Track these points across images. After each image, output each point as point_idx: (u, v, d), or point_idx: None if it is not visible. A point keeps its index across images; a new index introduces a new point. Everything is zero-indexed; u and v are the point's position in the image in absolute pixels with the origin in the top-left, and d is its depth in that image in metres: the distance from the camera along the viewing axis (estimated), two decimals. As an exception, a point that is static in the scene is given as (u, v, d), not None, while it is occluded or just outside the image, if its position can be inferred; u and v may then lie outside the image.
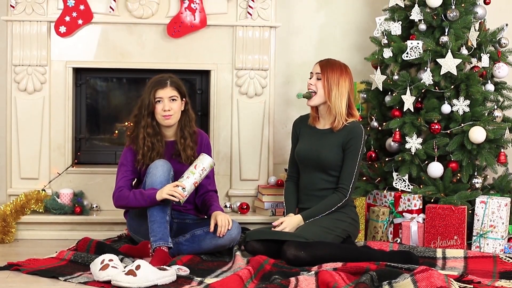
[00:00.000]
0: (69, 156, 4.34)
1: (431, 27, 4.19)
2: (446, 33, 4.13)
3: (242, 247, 3.70)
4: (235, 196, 4.41)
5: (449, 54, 4.05)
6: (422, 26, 4.16)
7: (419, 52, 4.13)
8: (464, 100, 4.08)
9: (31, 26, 4.24)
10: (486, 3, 4.29)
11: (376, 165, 4.29)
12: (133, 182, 3.78)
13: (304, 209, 3.80)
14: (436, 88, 4.12)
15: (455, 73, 4.06)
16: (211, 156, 3.86)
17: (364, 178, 4.27)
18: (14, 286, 3.17)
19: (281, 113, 4.70)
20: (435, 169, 4.06)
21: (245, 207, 4.32)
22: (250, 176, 4.42)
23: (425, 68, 4.12)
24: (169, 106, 3.68)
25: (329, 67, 3.77)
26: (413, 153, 4.07)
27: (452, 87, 4.12)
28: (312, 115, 3.88)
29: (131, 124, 3.80)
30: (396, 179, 4.14)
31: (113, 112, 4.64)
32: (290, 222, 3.69)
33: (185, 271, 3.32)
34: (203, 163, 3.62)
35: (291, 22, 4.70)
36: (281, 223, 3.69)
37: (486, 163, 4.10)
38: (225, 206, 4.33)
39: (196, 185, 3.61)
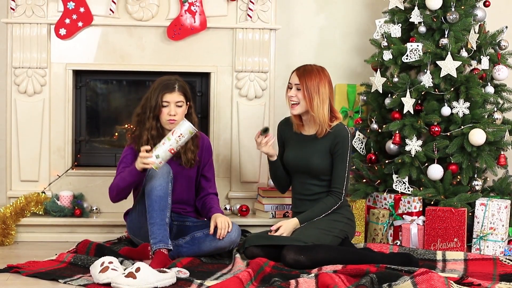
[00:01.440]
0: (69, 158, 4.34)
1: (431, 29, 4.20)
2: (446, 36, 4.13)
3: (241, 252, 3.70)
4: (235, 198, 4.41)
5: (449, 56, 4.05)
6: (422, 29, 4.16)
7: (419, 55, 4.13)
8: (464, 102, 4.08)
9: (31, 29, 4.24)
10: (485, 5, 4.29)
11: (376, 167, 4.29)
12: None
13: (298, 213, 3.80)
14: (436, 90, 4.12)
15: (455, 75, 4.06)
16: (211, 158, 3.86)
17: (364, 180, 4.27)
18: (14, 288, 3.18)
19: (281, 115, 4.65)
20: (435, 171, 4.06)
21: (245, 209, 4.32)
22: (250, 178, 4.42)
23: (425, 70, 4.12)
24: (175, 111, 3.68)
25: (307, 76, 3.74)
26: (413, 155, 4.07)
27: (452, 89, 4.12)
28: (296, 122, 3.84)
29: (133, 123, 3.79)
30: (396, 181, 4.14)
31: (113, 115, 4.64)
32: (287, 227, 3.69)
33: (185, 273, 3.32)
34: (180, 129, 3.52)
35: (291, 25, 4.70)
36: (278, 228, 3.70)
37: (486, 165, 4.10)
38: (225, 209, 4.33)
39: (172, 151, 3.51)
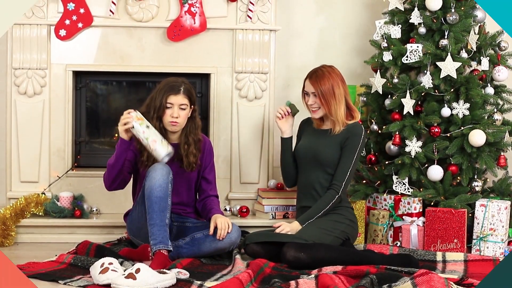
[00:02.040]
0: (69, 159, 4.34)
1: (431, 30, 4.20)
2: (445, 36, 4.13)
3: (242, 250, 3.70)
4: (235, 200, 4.41)
5: (449, 57, 4.05)
6: (422, 30, 4.16)
7: (419, 56, 4.13)
8: (464, 103, 4.08)
9: (31, 30, 4.24)
10: (485, 6, 4.30)
11: (376, 168, 4.29)
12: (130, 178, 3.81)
13: (303, 208, 3.82)
14: (436, 91, 4.12)
15: (455, 76, 4.06)
16: (212, 161, 3.87)
17: (364, 181, 4.27)
18: (13, 289, 3.17)
19: (281, 116, 4.70)
20: (435, 172, 4.06)
21: (245, 210, 4.32)
22: (250, 180, 4.42)
23: (425, 71, 4.12)
24: (177, 113, 3.69)
25: (320, 81, 3.78)
26: (413, 156, 4.07)
27: (452, 90, 4.12)
28: (316, 122, 3.91)
29: None
30: (396, 182, 4.14)
31: (113, 115, 4.63)
32: (289, 226, 3.70)
33: (185, 274, 3.32)
34: (160, 150, 3.53)
35: (291, 26, 4.70)
36: (281, 225, 3.70)
37: (486, 166, 4.10)
38: (225, 209, 4.33)
39: (141, 142, 3.58)
